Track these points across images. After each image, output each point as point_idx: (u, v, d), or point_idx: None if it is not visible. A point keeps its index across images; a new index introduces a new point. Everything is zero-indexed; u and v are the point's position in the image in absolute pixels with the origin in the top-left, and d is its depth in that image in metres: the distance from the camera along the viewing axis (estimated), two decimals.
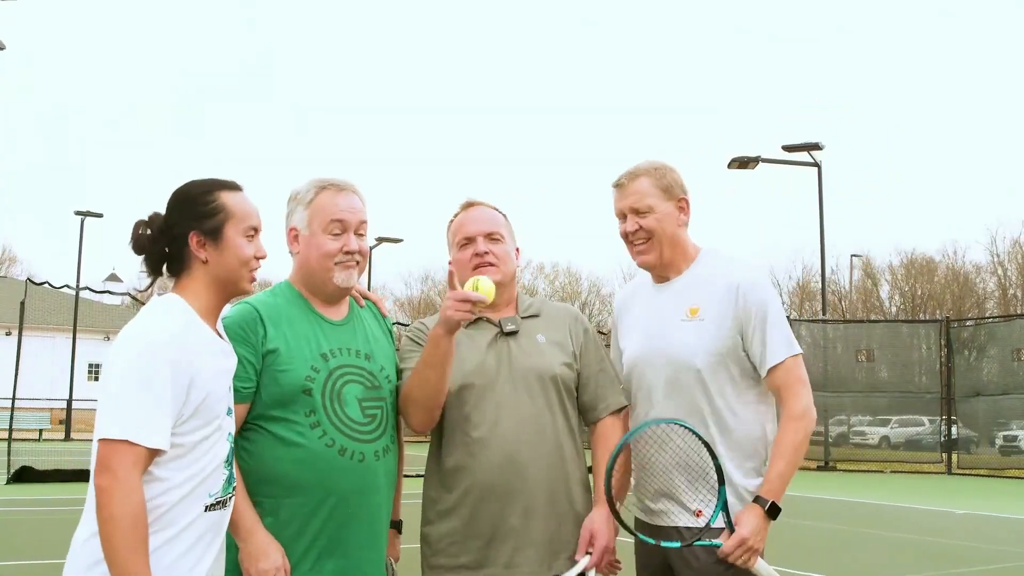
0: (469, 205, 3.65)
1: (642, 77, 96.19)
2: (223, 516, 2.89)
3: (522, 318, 3.57)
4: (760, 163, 28.94)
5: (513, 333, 3.52)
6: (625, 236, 3.61)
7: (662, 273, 3.63)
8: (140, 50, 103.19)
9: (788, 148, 28.94)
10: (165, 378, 2.69)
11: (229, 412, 2.94)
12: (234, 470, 2.97)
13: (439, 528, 3.40)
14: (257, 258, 2.98)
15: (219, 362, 2.90)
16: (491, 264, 3.51)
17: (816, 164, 28.87)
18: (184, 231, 2.90)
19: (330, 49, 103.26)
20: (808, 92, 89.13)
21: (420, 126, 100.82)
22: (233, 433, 2.95)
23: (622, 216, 3.61)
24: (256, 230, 2.98)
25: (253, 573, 3.04)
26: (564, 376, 3.49)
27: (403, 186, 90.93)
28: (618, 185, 3.63)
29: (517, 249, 3.69)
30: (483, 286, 3.24)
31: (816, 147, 28.73)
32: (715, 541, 3.33)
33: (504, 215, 3.67)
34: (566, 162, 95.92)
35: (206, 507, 2.81)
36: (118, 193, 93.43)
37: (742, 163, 28.77)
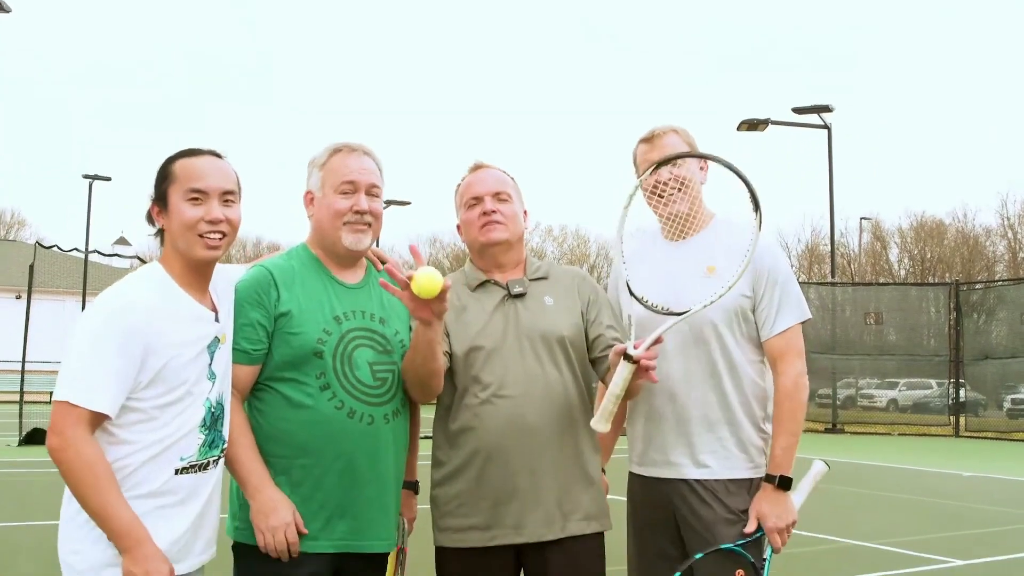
0: (477, 167, 3.63)
1: (652, 39, 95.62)
2: (200, 480, 2.91)
3: (530, 280, 3.56)
4: (769, 125, 28.78)
5: (520, 295, 3.50)
6: (654, 186, 3.62)
7: (681, 228, 3.65)
8: (150, 11, 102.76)
9: (798, 110, 28.78)
10: (116, 345, 2.72)
11: (211, 377, 2.94)
12: (223, 433, 2.99)
13: (447, 490, 3.40)
14: (207, 221, 2.91)
15: (190, 329, 2.90)
16: (499, 223, 3.50)
17: (826, 126, 28.71)
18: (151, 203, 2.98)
19: (329, 34, 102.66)
20: (818, 54, 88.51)
21: (428, 86, 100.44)
22: (214, 398, 2.94)
23: (653, 167, 3.61)
24: (202, 192, 2.92)
25: (263, 529, 3.06)
26: (572, 337, 3.48)
27: (410, 148, 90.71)
28: (648, 139, 3.69)
29: (525, 212, 3.66)
30: (419, 279, 3.00)
31: (826, 109, 28.56)
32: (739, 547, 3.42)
33: (512, 178, 3.65)
34: (574, 126, 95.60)
35: (177, 470, 2.83)
36: (126, 157, 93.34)
37: (751, 125, 28.62)
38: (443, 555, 3.44)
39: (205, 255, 2.93)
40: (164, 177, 2.96)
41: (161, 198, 2.95)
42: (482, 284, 3.54)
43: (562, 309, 3.53)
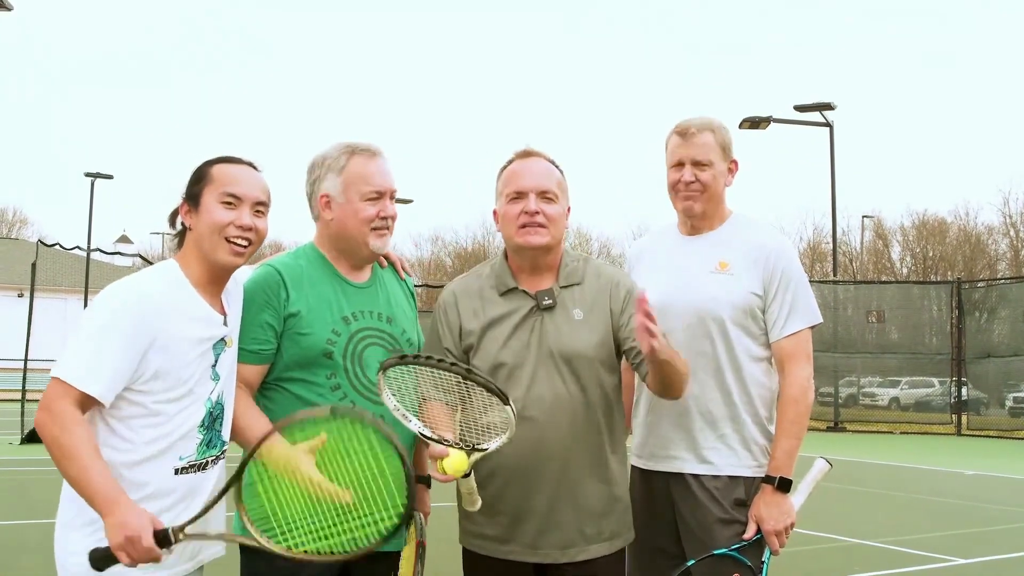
0: (526, 155, 3.38)
1: (655, 35, 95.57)
2: (199, 480, 2.91)
3: (561, 287, 3.33)
4: (771, 123, 28.73)
5: (549, 308, 3.30)
6: (676, 183, 3.63)
7: (699, 225, 3.68)
8: (154, 7, 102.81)
9: (800, 108, 28.71)
10: (121, 334, 2.74)
11: (215, 378, 2.95)
12: (221, 434, 2.99)
13: None
14: (237, 226, 2.94)
15: (198, 329, 2.91)
16: (540, 226, 3.26)
17: (828, 124, 28.65)
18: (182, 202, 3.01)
19: (335, 16, 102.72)
20: (820, 52, 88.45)
21: (430, 83, 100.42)
22: (215, 398, 2.95)
23: (679, 164, 3.62)
24: (236, 197, 2.96)
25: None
26: (600, 355, 3.30)
27: (413, 146, 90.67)
28: (683, 133, 3.64)
29: (568, 209, 3.40)
30: (449, 469, 2.93)
31: (828, 107, 28.50)
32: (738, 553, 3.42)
33: (561, 171, 3.40)
34: (576, 123, 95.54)
35: (176, 470, 2.85)
36: (128, 155, 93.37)
37: (753, 123, 28.55)
38: (465, 555, 3.40)
39: (229, 260, 2.95)
40: (200, 178, 2.99)
41: (193, 198, 2.98)
42: (510, 290, 3.34)
43: (591, 324, 3.30)
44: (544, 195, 3.29)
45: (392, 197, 3.33)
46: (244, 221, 2.95)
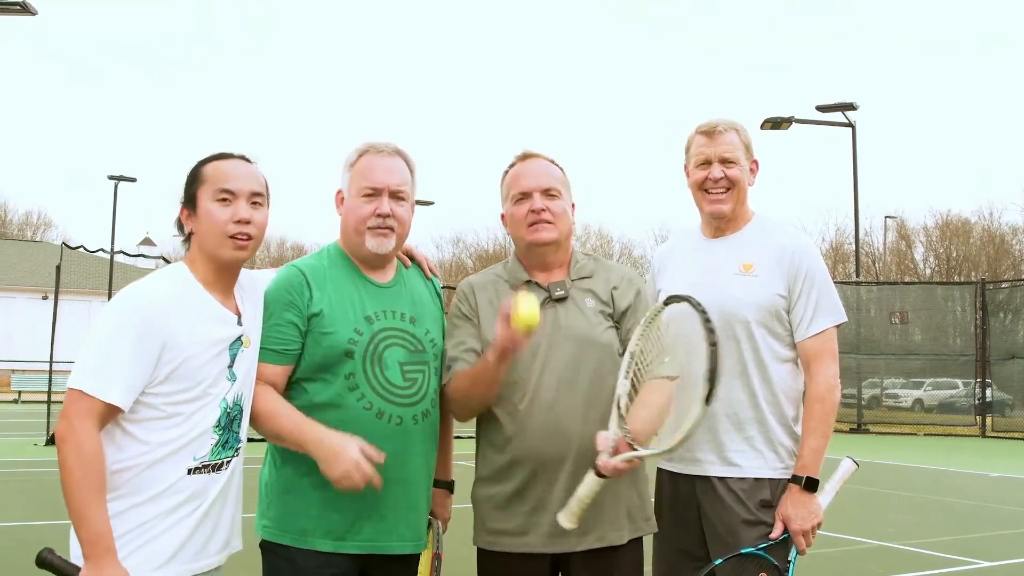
0: (526, 157, 3.48)
1: (676, 34, 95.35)
2: (211, 480, 2.90)
3: (573, 280, 3.42)
4: (793, 123, 28.60)
5: (562, 299, 3.37)
6: (702, 182, 3.64)
7: (722, 227, 3.69)
8: (176, 11, 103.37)
9: (822, 108, 28.60)
10: (134, 338, 2.74)
11: (232, 378, 2.94)
12: (238, 434, 2.99)
13: (485, 491, 3.35)
14: (235, 221, 2.94)
15: (210, 330, 2.91)
16: (547, 222, 3.36)
17: (850, 124, 28.52)
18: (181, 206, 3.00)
19: (349, 16, 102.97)
20: (842, 52, 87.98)
21: (451, 84, 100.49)
22: (231, 399, 2.94)
23: (706, 163, 3.63)
24: (231, 192, 2.95)
25: (334, 480, 3.01)
26: (612, 342, 3.36)
27: (434, 148, 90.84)
28: (709, 132, 3.65)
29: (573, 205, 3.49)
30: (523, 311, 2.99)
31: (850, 107, 28.37)
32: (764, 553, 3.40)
33: (561, 169, 3.49)
34: (597, 125, 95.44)
35: (189, 470, 2.84)
36: (151, 158, 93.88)
37: (775, 124, 28.43)
38: (479, 555, 3.41)
39: (233, 255, 2.96)
40: (193, 180, 2.99)
41: (190, 201, 2.98)
42: (524, 283, 3.40)
43: (602, 314, 3.39)
44: (547, 192, 3.40)
45: (394, 196, 3.28)
46: (241, 215, 2.95)
